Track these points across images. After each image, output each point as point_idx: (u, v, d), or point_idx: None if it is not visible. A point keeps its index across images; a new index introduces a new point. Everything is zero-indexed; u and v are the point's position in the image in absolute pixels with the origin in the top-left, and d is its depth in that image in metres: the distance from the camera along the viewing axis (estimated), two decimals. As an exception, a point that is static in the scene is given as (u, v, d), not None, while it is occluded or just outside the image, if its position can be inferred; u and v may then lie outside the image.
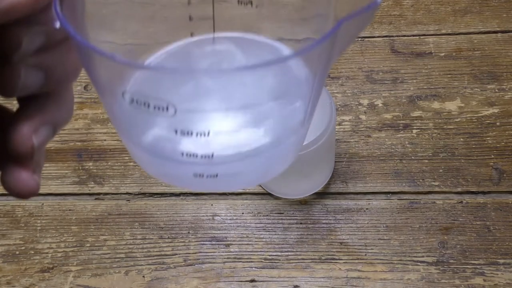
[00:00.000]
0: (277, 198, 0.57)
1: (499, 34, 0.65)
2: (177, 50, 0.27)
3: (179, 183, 0.31)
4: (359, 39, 0.67)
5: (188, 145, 0.22)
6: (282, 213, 0.57)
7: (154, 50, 0.27)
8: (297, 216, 0.56)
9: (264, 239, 0.55)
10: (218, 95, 0.22)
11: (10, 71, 0.24)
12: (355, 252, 0.54)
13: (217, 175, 0.23)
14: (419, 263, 0.53)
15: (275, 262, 0.54)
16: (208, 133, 0.21)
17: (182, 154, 0.22)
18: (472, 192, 0.56)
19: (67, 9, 0.22)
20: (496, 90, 0.61)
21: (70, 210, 0.59)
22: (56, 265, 0.55)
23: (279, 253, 0.55)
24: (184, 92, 0.21)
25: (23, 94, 0.25)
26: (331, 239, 0.55)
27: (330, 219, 0.56)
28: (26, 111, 0.25)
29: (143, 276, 0.54)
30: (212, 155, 0.22)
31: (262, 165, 0.24)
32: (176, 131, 0.21)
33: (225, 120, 0.22)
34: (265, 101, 0.23)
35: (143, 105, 0.20)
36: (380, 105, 0.62)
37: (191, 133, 0.21)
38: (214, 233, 0.56)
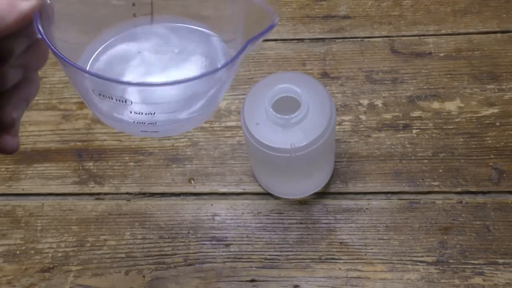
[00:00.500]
0: (277, 198, 0.57)
1: (499, 34, 0.65)
2: (122, 30, 0.37)
3: (130, 133, 0.46)
4: (359, 39, 0.67)
5: (138, 117, 0.33)
6: (282, 213, 0.57)
7: (102, 29, 0.36)
8: (297, 216, 0.56)
9: (264, 239, 0.55)
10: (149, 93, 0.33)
11: (1, 74, 0.31)
12: (355, 252, 0.54)
13: (157, 131, 0.35)
14: (419, 263, 0.53)
15: (275, 262, 0.54)
16: (154, 113, 0.33)
17: (134, 122, 0.34)
18: (472, 192, 0.56)
19: (44, 20, 0.30)
20: (496, 90, 0.62)
21: (70, 210, 0.59)
22: (56, 265, 0.56)
23: (279, 253, 0.55)
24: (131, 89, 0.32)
25: (6, 88, 0.32)
26: (331, 239, 0.55)
27: (330, 219, 0.56)
28: (6, 94, 0.32)
29: (143, 276, 0.54)
30: (156, 123, 0.33)
31: (184, 126, 0.37)
32: (130, 112, 0.33)
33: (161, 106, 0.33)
34: (181, 99, 0.33)
35: (108, 98, 0.31)
36: (380, 105, 0.62)
37: (142, 113, 0.33)
38: (214, 233, 0.56)
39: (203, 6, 0.37)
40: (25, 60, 0.32)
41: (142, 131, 0.35)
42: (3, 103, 0.32)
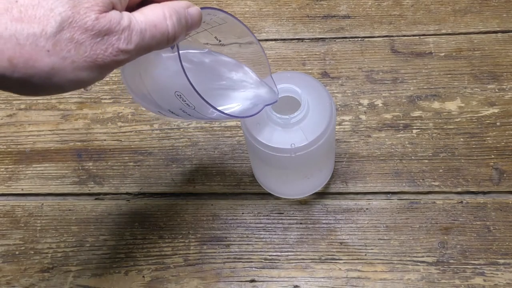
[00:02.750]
0: (277, 198, 0.57)
1: (499, 34, 0.65)
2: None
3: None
4: (359, 39, 0.67)
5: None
6: (282, 213, 0.57)
7: None
8: (297, 216, 0.56)
9: (264, 239, 0.55)
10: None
11: None
12: (355, 252, 0.54)
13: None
14: (419, 263, 0.53)
15: (275, 262, 0.54)
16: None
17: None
18: (472, 192, 0.56)
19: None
20: (496, 90, 0.61)
21: (70, 210, 0.59)
22: (56, 265, 0.55)
23: (279, 253, 0.55)
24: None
25: None
26: (331, 239, 0.55)
27: (330, 219, 0.56)
28: None
29: (143, 276, 0.54)
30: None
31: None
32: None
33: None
34: None
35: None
36: (380, 105, 0.62)
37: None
38: (214, 233, 0.56)
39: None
40: None
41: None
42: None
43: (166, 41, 0.34)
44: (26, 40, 0.29)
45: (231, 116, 0.41)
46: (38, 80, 0.30)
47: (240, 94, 0.45)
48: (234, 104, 0.44)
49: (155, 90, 0.39)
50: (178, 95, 0.38)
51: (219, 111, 0.39)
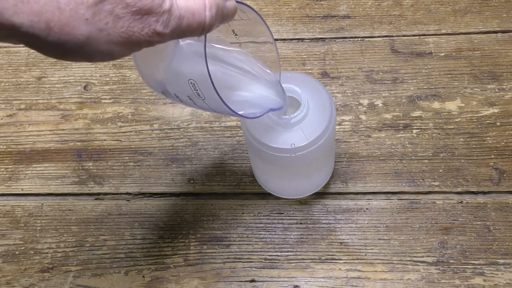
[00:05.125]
0: (277, 198, 0.57)
1: (499, 34, 0.65)
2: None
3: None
4: (359, 39, 0.67)
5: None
6: (282, 213, 0.57)
7: None
8: (297, 216, 0.56)
9: (264, 239, 0.55)
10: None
11: None
12: (355, 252, 0.54)
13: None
14: (419, 263, 0.53)
15: (275, 262, 0.54)
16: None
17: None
18: (472, 192, 0.56)
19: None
20: (496, 90, 0.61)
21: (70, 210, 0.59)
22: (56, 265, 0.55)
23: (279, 253, 0.55)
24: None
25: None
26: (331, 239, 0.55)
27: (330, 219, 0.56)
28: None
29: (143, 276, 0.54)
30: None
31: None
32: None
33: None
34: None
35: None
36: (380, 105, 0.62)
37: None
38: (214, 233, 0.56)
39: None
40: None
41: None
42: None
43: (200, 31, 0.33)
44: (67, 5, 0.28)
45: (237, 115, 0.41)
46: (70, 46, 0.30)
47: (252, 89, 0.45)
48: (242, 97, 0.44)
49: (168, 72, 0.39)
50: (191, 83, 0.37)
51: (232, 110, 0.39)
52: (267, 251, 0.55)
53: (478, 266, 0.52)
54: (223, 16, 0.35)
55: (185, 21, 0.32)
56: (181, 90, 0.39)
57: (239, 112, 0.40)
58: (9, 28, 0.28)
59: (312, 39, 0.67)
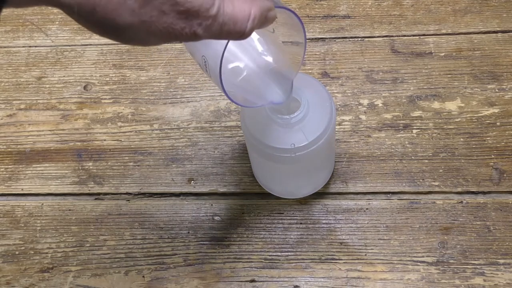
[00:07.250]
0: (277, 198, 0.57)
1: (499, 34, 0.65)
2: None
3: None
4: (359, 39, 0.67)
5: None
6: (282, 213, 0.57)
7: None
8: (297, 216, 0.56)
9: (264, 239, 0.55)
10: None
11: None
12: (355, 252, 0.54)
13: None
14: (419, 263, 0.53)
15: (275, 262, 0.54)
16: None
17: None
18: (472, 192, 0.56)
19: None
20: (496, 90, 0.61)
21: (70, 210, 0.59)
22: (55, 265, 0.55)
23: (279, 253, 0.54)
24: None
25: None
26: (331, 239, 0.55)
27: (330, 219, 0.56)
28: None
29: (143, 276, 0.54)
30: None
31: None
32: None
33: None
34: None
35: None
36: (380, 105, 0.62)
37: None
38: (214, 233, 0.56)
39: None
40: None
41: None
42: None
43: (237, 38, 0.33)
44: None
45: (235, 102, 0.41)
46: (110, 30, 0.30)
47: (259, 76, 0.44)
48: (245, 82, 0.44)
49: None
50: (204, 60, 0.38)
51: (232, 100, 0.40)
52: (267, 251, 0.55)
53: (478, 266, 0.52)
54: (262, 25, 0.35)
55: (226, 28, 0.32)
56: (199, 60, 0.40)
57: (236, 101, 0.41)
58: (56, 4, 0.28)
59: (312, 39, 0.67)
